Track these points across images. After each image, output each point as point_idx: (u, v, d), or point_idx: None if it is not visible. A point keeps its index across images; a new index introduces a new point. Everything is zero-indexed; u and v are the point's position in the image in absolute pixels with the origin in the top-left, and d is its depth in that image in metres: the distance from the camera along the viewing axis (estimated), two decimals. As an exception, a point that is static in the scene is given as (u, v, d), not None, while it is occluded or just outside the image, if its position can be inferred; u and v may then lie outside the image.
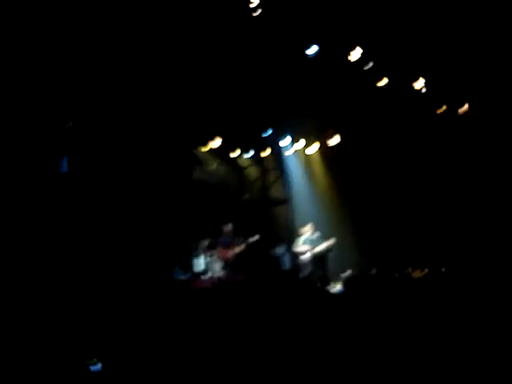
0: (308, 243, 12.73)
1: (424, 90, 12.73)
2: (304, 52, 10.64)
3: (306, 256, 12.60)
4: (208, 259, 13.14)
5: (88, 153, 10.65)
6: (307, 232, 12.85)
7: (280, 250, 13.36)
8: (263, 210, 11.03)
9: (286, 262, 13.17)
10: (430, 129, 13.61)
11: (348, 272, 12.17)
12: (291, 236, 11.64)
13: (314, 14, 9.93)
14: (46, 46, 8.56)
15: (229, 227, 12.02)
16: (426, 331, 4.83)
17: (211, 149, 14.33)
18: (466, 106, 13.02)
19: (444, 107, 13.35)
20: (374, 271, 10.51)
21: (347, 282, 9.67)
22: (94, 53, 8.99)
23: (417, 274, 9.79)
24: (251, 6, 9.22)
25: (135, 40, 9.01)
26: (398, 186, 14.11)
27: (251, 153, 14.26)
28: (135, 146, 11.62)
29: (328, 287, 10.58)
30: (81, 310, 6.96)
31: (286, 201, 11.12)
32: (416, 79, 12.34)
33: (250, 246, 11.81)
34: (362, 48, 11.07)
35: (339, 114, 13.54)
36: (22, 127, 9.11)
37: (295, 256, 12.31)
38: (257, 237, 11.80)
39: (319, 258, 12.70)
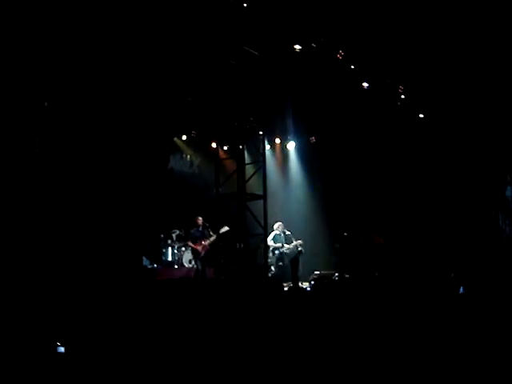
0: (278, 241, 12.73)
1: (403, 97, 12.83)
2: (288, 49, 10.60)
3: (276, 254, 12.59)
4: (177, 250, 13.07)
5: (62, 134, 10.46)
6: (277, 229, 12.84)
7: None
8: (238, 203, 10.95)
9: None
10: (404, 129, 13.72)
11: (317, 272, 12.21)
12: (265, 232, 11.62)
13: (300, 12, 9.86)
14: (20, 27, 8.37)
15: (199, 220, 11.93)
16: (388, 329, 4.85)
17: (188, 139, 14.25)
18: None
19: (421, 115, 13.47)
20: (343, 272, 10.55)
21: (315, 282, 9.68)
22: (72, 34, 8.81)
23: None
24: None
25: (115, 25, 8.84)
26: (374, 186, 14.17)
27: (228, 146, 14.22)
28: (110, 132, 11.45)
29: (296, 285, 10.58)
30: (44, 295, 6.83)
31: (261, 196, 11.06)
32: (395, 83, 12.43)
33: (220, 238, 11.72)
34: (344, 49, 11.06)
35: (318, 112, 13.55)
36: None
37: (266, 252, 12.28)
38: (226, 228, 11.73)
39: (288, 256, 12.72)
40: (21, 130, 9.57)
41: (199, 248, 11.75)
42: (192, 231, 11.95)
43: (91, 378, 4.11)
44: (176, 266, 12.88)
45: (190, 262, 12.75)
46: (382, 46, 10.94)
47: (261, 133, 12.01)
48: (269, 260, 12.20)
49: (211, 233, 11.85)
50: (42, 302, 6.17)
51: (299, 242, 12.86)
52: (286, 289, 8.81)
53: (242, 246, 11.19)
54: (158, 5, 8.67)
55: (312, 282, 10.73)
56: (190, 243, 11.88)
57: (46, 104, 9.90)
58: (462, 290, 7.18)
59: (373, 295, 6.93)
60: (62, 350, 4.61)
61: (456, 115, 12.97)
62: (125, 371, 4.20)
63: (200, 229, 11.92)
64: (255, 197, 11.30)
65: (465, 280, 7.80)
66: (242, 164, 11.10)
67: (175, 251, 13.09)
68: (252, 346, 4.67)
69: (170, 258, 13.10)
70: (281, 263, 12.58)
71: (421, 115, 13.52)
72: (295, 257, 12.66)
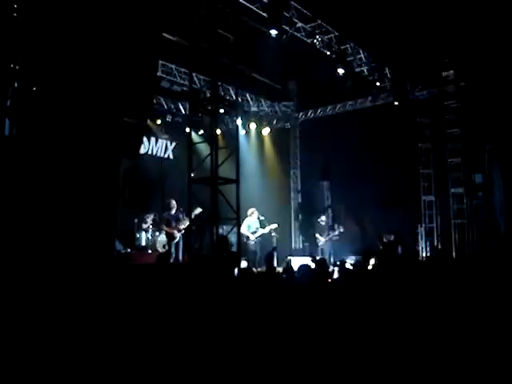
0: (252, 227, 12.74)
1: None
2: (265, 34, 10.57)
3: (250, 241, 12.61)
4: (151, 235, 13.01)
5: (33, 116, 10.25)
6: (250, 216, 12.83)
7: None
8: (211, 187, 10.92)
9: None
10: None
11: (290, 257, 12.26)
12: (238, 216, 11.64)
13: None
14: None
15: (173, 203, 11.85)
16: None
17: (163, 122, 14.14)
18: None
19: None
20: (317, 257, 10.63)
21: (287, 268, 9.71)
22: (40, 14, 8.62)
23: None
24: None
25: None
26: (347, 171, 14.28)
27: (203, 130, 14.15)
28: (83, 113, 11.26)
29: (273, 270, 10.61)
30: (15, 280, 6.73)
31: (234, 180, 11.04)
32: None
33: (193, 222, 11.68)
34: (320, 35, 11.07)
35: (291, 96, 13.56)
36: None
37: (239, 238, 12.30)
38: (199, 209, 11.68)
39: (259, 243, 12.77)
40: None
41: (174, 231, 11.68)
42: (165, 214, 11.87)
43: (71, 367, 4.06)
44: (150, 251, 12.82)
45: (163, 246, 12.69)
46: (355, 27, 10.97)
47: (236, 118, 11.98)
48: (245, 247, 12.26)
49: (185, 217, 11.78)
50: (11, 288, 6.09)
51: (274, 225, 12.89)
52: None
53: (215, 230, 11.18)
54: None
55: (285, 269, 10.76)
56: (164, 226, 11.79)
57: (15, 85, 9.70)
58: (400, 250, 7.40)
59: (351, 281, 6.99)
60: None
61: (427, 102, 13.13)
62: (102, 358, 4.17)
63: (173, 212, 11.84)
64: (228, 181, 11.27)
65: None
66: (215, 148, 11.05)
67: (149, 236, 13.02)
68: (222, 331, 4.68)
69: (143, 243, 13.02)
70: (256, 249, 12.61)
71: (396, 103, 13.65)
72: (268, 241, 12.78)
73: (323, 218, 13.91)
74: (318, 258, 10.71)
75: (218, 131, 11.49)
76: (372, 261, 8.76)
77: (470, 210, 13.01)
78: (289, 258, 12.15)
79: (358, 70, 13.03)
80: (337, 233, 13.53)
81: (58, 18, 8.83)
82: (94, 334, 4.60)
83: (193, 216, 11.50)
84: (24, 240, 9.31)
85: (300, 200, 16.30)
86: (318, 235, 13.58)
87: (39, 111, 10.34)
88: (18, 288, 6.12)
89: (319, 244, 13.55)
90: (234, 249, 11.72)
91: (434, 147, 13.85)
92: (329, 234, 13.56)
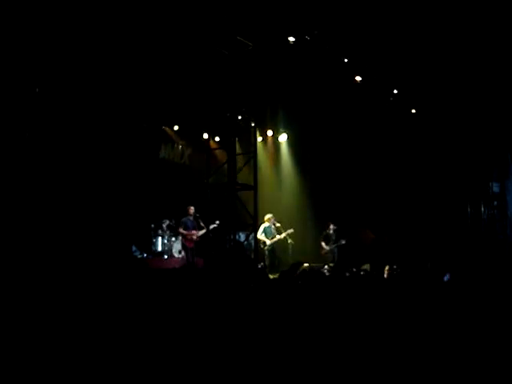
0: (268, 233, 12.76)
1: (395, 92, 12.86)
2: (281, 41, 10.58)
3: (266, 247, 12.63)
4: (167, 241, 13.06)
5: (54, 122, 10.40)
6: (267, 221, 12.86)
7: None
8: (229, 194, 10.96)
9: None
10: (397, 126, 13.79)
11: (306, 264, 12.20)
12: (255, 222, 11.71)
13: (293, 5, 9.84)
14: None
15: (191, 210, 11.90)
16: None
17: (180, 129, 14.22)
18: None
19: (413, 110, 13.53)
20: (327, 266, 10.53)
21: (301, 275, 9.67)
22: (62, 22, 8.76)
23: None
24: None
25: (106, 13, 8.80)
26: (365, 180, 14.23)
27: (220, 136, 14.22)
28: (101, 121, 11.39)
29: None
30: (36, 286, 6.80)
31: (252, 187, 11.07)
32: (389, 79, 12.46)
33: (211, 231, 11.75)
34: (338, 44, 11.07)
35: (310, 105, 13.55)
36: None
37: (256, 243, 12.32)
38: (217, 223, 11.75)
39: (275, 249, 12.77)
40: (11, 118, 9.51)
41: (192, 237, 11.73)
42: (183, 220, 11.91)
43: (83, 368, 4.10)
44: (166, 257, 12.88)
45: (179, 252, 12.75)
46: (376, 39, 10.94)
47: (253, 124, 12.02)
48: (261, 252, 12.29)
49: (202, 224, 11.83)
50: (31, 293, 6.15)
51: (290, 230, 12.89)
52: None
53: (232, 236, 11.23)
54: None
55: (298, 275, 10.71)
56: (182, 230, 11.82)
57: (37, 90, 9.85)
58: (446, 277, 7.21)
59: (365, 291, 6.96)
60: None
61: (447, 111, 13.06)
62: (117, 361, 4.20)
63: (191, 218, 11.90)
64: (246, 187, 11.31)
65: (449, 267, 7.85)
66: (233, 154, 11.10)
67: (165, 241, 13.08)
68: (241, 338, 4.69)
69: (159, 248, 13.09)
70: (272, 255, 12.63)
71: (413, 110, 13.58)
72: (283, 247, 12.78)
73: (331, 226, 13.78)
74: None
75: (236, 138, 11.54)
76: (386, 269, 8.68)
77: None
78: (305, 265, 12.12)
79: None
80: (342, 243, 13.44)
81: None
82: (111, 337, 4.64)
83: (210, 228, 11.56)
84: (40, 243, 9.44)
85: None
86: (323, 243, 13.53)
87: (59, 118, 10.52)
88: (36, 292, 6.17)
89: (322, 252, 13.49)
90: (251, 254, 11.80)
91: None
92: (335, 243, 13.48)
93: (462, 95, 12.55)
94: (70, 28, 8.97)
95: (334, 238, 13.52)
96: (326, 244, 13.46)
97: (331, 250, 13.39)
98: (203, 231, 11.76)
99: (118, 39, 9.50)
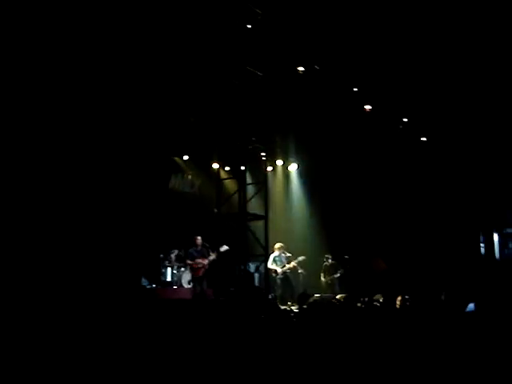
0: (278, 262, 12.63)
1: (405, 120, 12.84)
2: (291, 71, 10.64)
3: (277, 276, 12.48)
4: (176, 271, 12.95)
5: (64, 150, 10.45)
6: (277, 250, 12.74)
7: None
8: (240, 224, 10.88)
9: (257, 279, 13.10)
10: (407, 155, 13.72)
11: (317, 295, 12.03)
12: (266, 252, 11.61)
13: (303, 35, 9.92)
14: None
15: (198, 240, 11.82)
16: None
17: (190, 158, 14.24)
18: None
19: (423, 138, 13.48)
20: (339, 296, 10.35)
21: (310, 305, 9.48)
22: (82, 53, 8.89)
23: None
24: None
25: (118, 43, 8.91)
26: (377, 209, 14.10)
27: (230, 166, 14.19)
28: (112, 150, 11.42)
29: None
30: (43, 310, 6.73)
31: (263, 216, 10.99)
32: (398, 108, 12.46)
33: (220, 258, 11.62)
34: (348, 73, 11.11)
35: (320, 134, 13.54)
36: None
37: (267, 273, 12.17)
38: (226, 247, 11.63)
39: (287, 277, 12.62)
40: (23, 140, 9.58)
41: (199, 267, 11.61)
42: (190, 250, 11.83)
43: None
44: (175, 287, 12.75)
45: (188, 282, 12.61)
46: (385, 68, 10.97)
47: (263, 154, 12.00)
48: (271, 282, 12.12)
49: (210, 252, 11.73)
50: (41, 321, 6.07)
51: (301, 257, 12.76)
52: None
53: (242, 266, 11.11)
54: (163, 24, 8.72)
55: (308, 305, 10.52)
56: (189, 261, 11.73)
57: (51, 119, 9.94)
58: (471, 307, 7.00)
59: (377, 322, 6.79)
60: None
61: (457, 138, 13.00)
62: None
63: (198, 248, 11.80)
64: (256, 217, 11.23)
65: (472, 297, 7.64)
66: (243, 184, 11.05)
67: (174, 271, 12.97)
68: (250, 368, 4.57)
69: (168, 279, 12.97)
70: (285, 284, 12.48)
71: (423, 138, 13.52)
72: (294, 276, 12.62)
73: (329, 258, 13.58)
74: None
75: (246, 167, 11.51)
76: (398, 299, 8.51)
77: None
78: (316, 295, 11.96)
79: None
80: (337, 275, 13.31)
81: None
82: (120, 367, 4.55)
83: (221, 250, 11.46)
84: (51, 272, 9.39)
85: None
86: (321, 275, 13.40)
87: (70, 148, 10.57)
88: (50, 322, 6.10)
89: (323, 284, 13.33)
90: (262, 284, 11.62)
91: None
92: (331, 275, 13.34)
93: (472, 122, 12.51)
94: (86, 59, 9.09)
95: (331, 270, 13.41)
96: (324, 276, 13.39)
97: (329, 282, 13.25)
98: (213, 257, 11.64)
99: (130, 68, 9.59)
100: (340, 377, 4.32)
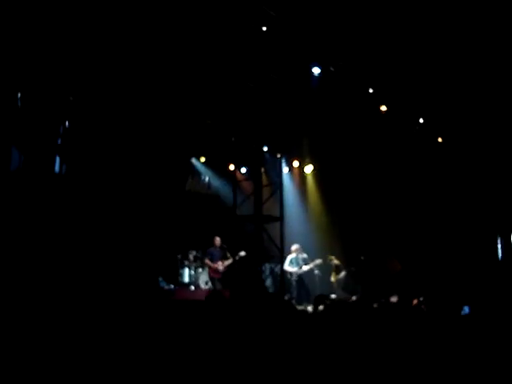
0: (294, 264, 12.66)
1: (421, 121, 12.79)
2: (306, 73, 10.67)
3: (293, 277, 12.51)
4: (193, 272, 13.06)
5: (82, 155, 10.59)
6: (294, 252, 12.78)
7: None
8: (255, 225, 10.96)
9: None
10: (423, 156, 13.66)
11: (333, 296, 12.05)
12: (281, 254, 11.66)
13: (318, 36, 9.95)
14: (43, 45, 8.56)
15: (217, 240, 11.92)
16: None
17: (206, 160, 14.35)
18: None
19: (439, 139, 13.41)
20: (354, 298, 10.34)
21: (327, 306, 9.49)
22: (93, 55, 9.00)
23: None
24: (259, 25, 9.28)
25: (136, 45, 9.02)
26: (392, 211, 14.06)
27: (246, 167, 14.27)
28: (129, 152, 11.56)
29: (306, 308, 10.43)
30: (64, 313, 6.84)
31: (278, 218, 11.06)
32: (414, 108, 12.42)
33: (237, 261, 11.73)
34: (363, 74, 11.11)
35: (336, 136, 13.55)
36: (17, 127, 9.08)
37: (283, 275, 12.23)
38: (243, 253, 11.72)
39: (302, 279, 12.64)
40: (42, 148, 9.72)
41: (218, 268, 11.71)
42: (209, 250, 11.93)
43: None
44: (192, 288, 12.85)
45: (206, 283, 12.72)
46: (401, 69, 10.95)
47: (279, 155, 12.07)
48: (287, 284, 12.16)
49: (228, 255, 11.83)
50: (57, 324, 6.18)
51: (318, 261, 12.77)
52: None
53: (259, 268, 11.19)
54: (179, 27, 8.82)
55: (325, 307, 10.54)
56: (208, 261, 11.83)
57: (66, 124, 10.09)
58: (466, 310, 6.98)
59: (395, 323, 6.80)
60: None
61: (474, 140, 12.92)
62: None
63: (218, 249, 11.91)
64: (272, 219, 11.30)
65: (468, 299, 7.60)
66: (259, 185, 11.13)
67: (192, 272, 13.08)
68: (263, 368, 4.62)
69: (186, 279, 13.08)
70: (300, 285, 12.50)
71: (439, 139, 13.46)
72: (310, 277, 12.60)
73: (333, 257, 13.52)
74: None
75: (262, 168, 11.59)
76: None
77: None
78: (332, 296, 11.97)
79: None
80: (341, 276, 13.28)
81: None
82: (136, 368, 4.62)
83: (237, 258, 11.55)
84: (68, 273, 9.51)
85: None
86: (332, 276, 13.39)
87: (89, 150, 10.71)
88: (63, 321, 6.21)
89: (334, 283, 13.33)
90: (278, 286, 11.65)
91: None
92: (337, 275, 13.31)
93: (490, 122, 12.43)
94: (103, 64, 9.22)
95: (337, 270, 13.39)
96: (333, 276, 13.37)
97: (337, 283, 13.24)
98: (229, 261, 11.75)
99: (149, 71, 9.70)
100: (355, 377, 4.35)
